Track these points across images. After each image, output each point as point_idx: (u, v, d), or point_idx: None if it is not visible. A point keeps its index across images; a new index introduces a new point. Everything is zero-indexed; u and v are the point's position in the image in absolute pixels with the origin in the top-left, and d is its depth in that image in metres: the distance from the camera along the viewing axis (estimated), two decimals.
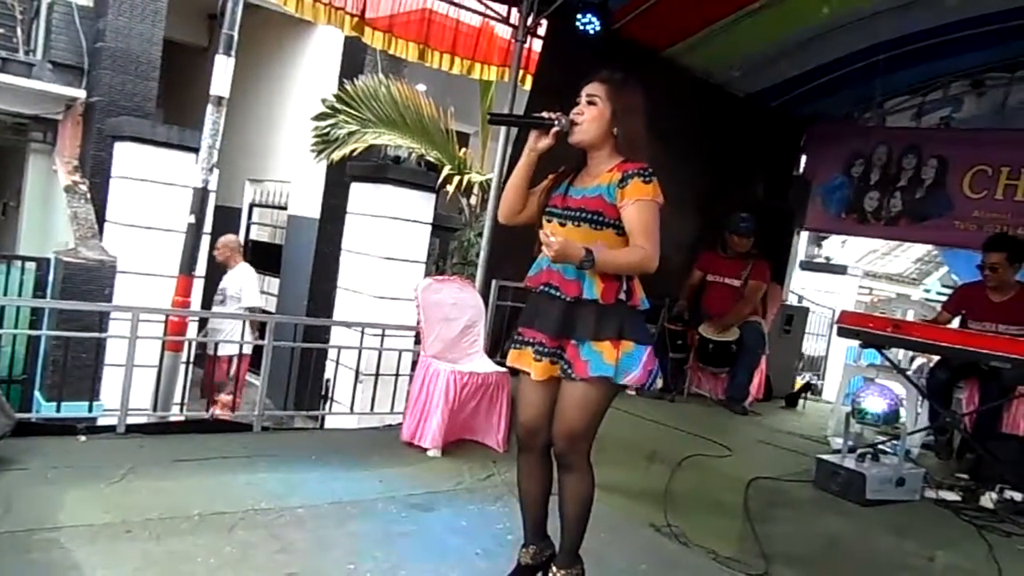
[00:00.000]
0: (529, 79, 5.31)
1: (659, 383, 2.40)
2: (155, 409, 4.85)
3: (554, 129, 2.36)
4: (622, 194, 2.28)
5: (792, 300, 8.15)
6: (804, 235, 8.94)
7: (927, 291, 16.63)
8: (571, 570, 2.42)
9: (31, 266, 6.35)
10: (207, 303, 6.47)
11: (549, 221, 2.40)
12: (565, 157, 2.49)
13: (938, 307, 5.13)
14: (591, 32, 4.72)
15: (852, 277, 12.36)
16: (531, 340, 2.43)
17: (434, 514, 3.26)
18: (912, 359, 6.07)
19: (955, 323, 4.56)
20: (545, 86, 4.78)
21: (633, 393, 4.98)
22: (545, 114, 2.39)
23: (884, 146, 6.26)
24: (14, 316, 5.80)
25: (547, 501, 2.52)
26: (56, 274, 6.11)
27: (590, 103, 2.37)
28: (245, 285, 6.05)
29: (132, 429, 3.81)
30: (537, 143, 2.40)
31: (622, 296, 2.31)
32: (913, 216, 6.14)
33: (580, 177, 2.43)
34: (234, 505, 3.01)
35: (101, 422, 4.16)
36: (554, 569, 2.42)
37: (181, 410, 5.36)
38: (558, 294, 2.33)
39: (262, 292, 7.03)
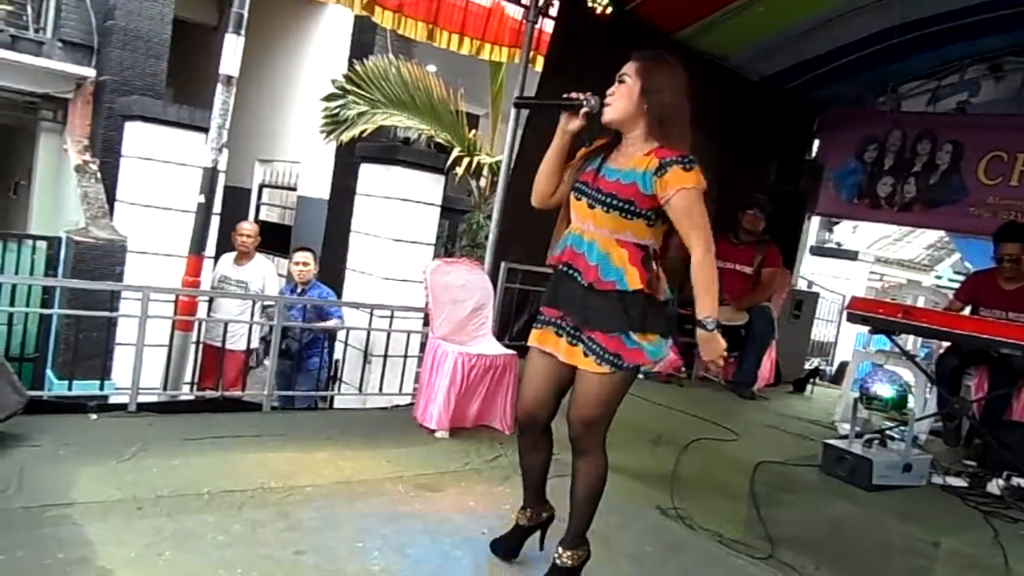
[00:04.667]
0: (540, 60, 5.27)
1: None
2: (165, 388, 4.88)
3: (584, 110, 2.32)
4: (663, 183, 2.22)
5: (802, 285, 8.13)
6: (815, 220, 8.89)
7: (939, 277, 16.53)
8: (577, 551, 2.44)
9: (42, 245, 6.37)
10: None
11: (579, 199, 2.35)
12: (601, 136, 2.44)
13: (950, 294, 5.09)
14: (604, 13, 4.68)
15: (863, 263, 12.32)
16: (553, 320, 2.40)
17: (441, 494, 3.29)
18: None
19: (966, 311, 4.53)
20: (557, 67, 4.74)
21: (642, 376, 4.98)
22: (574, 95, 2.35)
23: (898, 131, 6.20)
24: (26, 295, 5.84)
25: (547, 469, 2.58)
26: (67, 253, 6.14)
27: (620, 81, 2.33)
28: (268, 278, 6.01)
29: (143, 408, 3.85)
30: (568, 125, 2.36)
31: (650, 288, 2.26)
32: (927, 202, 6.09)
33: (614, 155, 2.37)
34: (243, 483, 3.04)
35: (112, 400, 4.21)
36: (560, 550, 2.44)
37: (191, 389, 5.40)
38: (580, 279, 2.30)
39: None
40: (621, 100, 2.30)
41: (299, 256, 5.77)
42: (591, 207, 2.31)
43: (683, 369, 2.38)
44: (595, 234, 2.30)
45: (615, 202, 2.26)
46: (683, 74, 2.35)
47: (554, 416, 2.47)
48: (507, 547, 2.64)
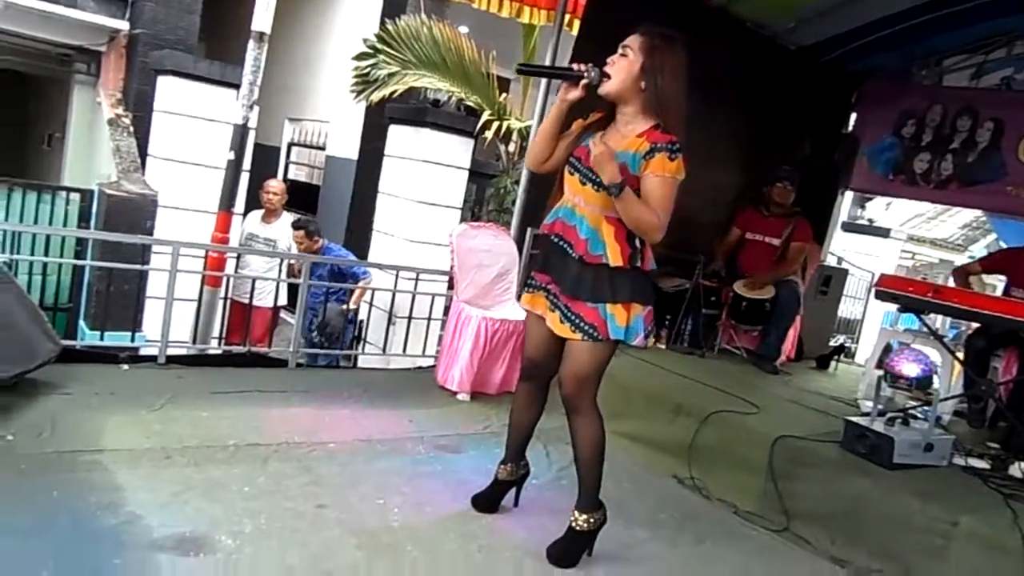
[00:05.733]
0: (577, 24, 5.20)
1: (650, 340, 2.49)
2: (194, 342, 4.97)
3: (583, 81, 2.36)
4: (646, 165, 2.29)
5: (831, 261, 8.02)
6: (848, 195, 8.73)
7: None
8: (594, 514, 2.48)
9: (75, 197, 6.48)
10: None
11: (572, 174, 2.44)
12: (598, 108, 2.48)
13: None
14: None
15: (895, 240, 12.12)
16: (544, 285, 2.50)
17: (461, 455, 3.34)
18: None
19: (999, 290, 4.45)
20: (592, 32, 4.66)
21: (664, 347, 4.99)
22: (575, 66, 2.40)
23: (939, 106, 6.02)
24: (59, 246, 5.95)
25: (533, 428, 2.74)
26: (99, 206, 6.23)
27: (622, 54, 2.36)
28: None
29: (172, 360, 3.94)
30: (567, 94, 2.41)
31: (637, 262, 2.36)
32: (964, 180, 5.93)
33: (609, 133, 2.42)
34: (268, 437, 3.11)
35: (143, 352, 4.30)
36: (576, 514, 2.48)
37: (219, 344, 5.49)
38: (571, 252, 2.38)
39: None
40: (620, 74, 2.34)
41: (293, 235, 5.79)
42: (583, 183, 2.39)
43: (646, 345, 2.49)
44: (586, 209, 2.38)
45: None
46: (685, 56, 2.37)
47: (554, 372, 2.56)
48: (488, 501, 2.76)
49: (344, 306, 5.66)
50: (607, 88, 2.36)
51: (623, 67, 2.34)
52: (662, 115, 2.34)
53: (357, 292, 5.70)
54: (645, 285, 2.41)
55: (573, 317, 2.38)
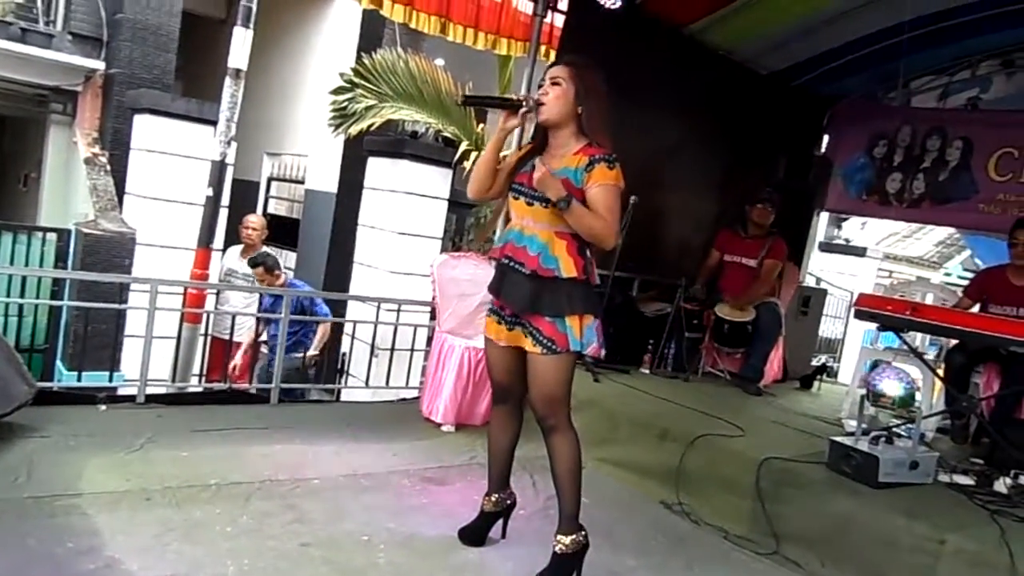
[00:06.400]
0: (552, 54, 5.26)
1: (603, 352, 2.56)
2: (174, 380, 4.91)
3: (522, 110, 2.50)
4: (588, 177, 2.42)
5: (810, 282, 8.09)
6: (824, 216, 8.83)
7: (948, 275, 16.44)
8: (575, 536, 2.48)
9: (52, 237, 6.42)
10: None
11: (516, 199, 2.54)
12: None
13: (959, 291, 5.07)
14: (613, 7, 4.66)
15: (872, 259, 12.25)
16: (495, 308, 2.59)
17: (447, 487, 3.30)
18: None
19: (975, 308, 4.51)
20: None
21: (647, 372, 5.00)
22: (514, 95, 2.59)
23: (908, 127, 6.14)
24: (36, 286, 5.88)
25: (512, 453, 2.75)
26: (76, 245, 6.18)
27: (554, 83, 2.50)
28: None
29: (151, 399, 3.88)
30: (506, 123, 2.55)
31: (588, 273, 2.47)
32: (936, 198, 6.03)
33: (546, 157, 2.55)
34: (251, 475, 3.06)
35: (121, 392, 4.23)
36: (559, 538, 2.48)
37: (199, 381, 5.43)
38: (523, 270, 2.46)
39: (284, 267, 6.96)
40: (558, 102, 2.48)
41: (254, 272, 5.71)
42: (529, 204, 2.49)
43: (603, 354, 2.59)
44: (535, 228, 2.48)
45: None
46: (604, 78, 2.56)
47: (524, 392, 2.59)
48: (474, 533, 2.75)
49: (306, 354, 5.54)
50: (547, 115, 2.48)
51: (559, 95, 2.48)
52: (593, 133, 2.49)
53: (320, 334, 5.57)
54: (594, 297, 2.51)
55: (533, 331, 2.45)
